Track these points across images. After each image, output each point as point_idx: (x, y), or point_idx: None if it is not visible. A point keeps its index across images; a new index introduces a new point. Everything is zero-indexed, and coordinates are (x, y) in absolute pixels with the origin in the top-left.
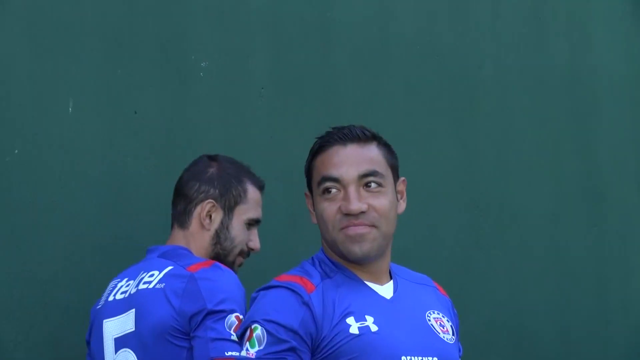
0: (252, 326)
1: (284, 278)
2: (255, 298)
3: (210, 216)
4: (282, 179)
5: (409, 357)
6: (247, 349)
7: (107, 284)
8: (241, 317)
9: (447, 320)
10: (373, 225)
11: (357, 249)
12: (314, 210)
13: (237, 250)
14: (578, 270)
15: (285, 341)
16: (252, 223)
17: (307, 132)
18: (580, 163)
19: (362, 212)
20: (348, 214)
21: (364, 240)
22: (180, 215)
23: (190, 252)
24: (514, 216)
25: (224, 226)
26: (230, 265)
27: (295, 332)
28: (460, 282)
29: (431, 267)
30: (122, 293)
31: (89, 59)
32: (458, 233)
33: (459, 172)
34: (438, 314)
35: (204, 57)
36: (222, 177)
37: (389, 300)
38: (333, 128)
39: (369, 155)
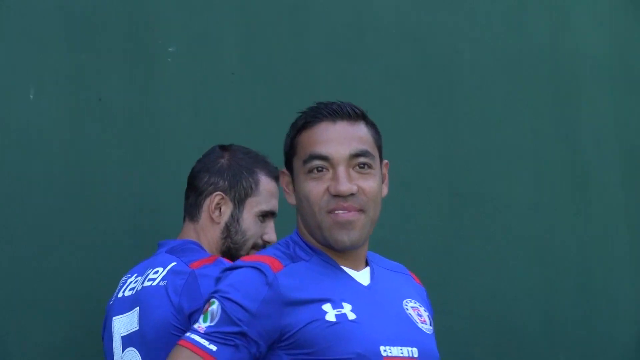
0: (210, 300)
1: (251, 257)
2: (219, 278)
3: (220, 209)
4: None
5: (387, 347)
6: (199, 322)
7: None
8: None
9: (424, 310)
10: (361, 210)
11: (345, 237)
12: (293, 189)
13: (249, 244)
14: (561, 259)
15: (237, 324)
16: (265, 215)
17: (279, 119)
18: (563, 149)
19: (352, 195)
20: (337, 196)
21: (353, 227)
22: (190, 208)
23: (200, 247)
24: (496, 204)
25: (235, 219)
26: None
27: (252, 315)
28: (440, 271)
29: (410, 256)
30: (130, 290)
31: (51, 42)
32: (438, 221)
33: (438, 158)
34: (415, 303)
35: (172, 41)
36: (233, 168)
37: (366, 287)
38: (318, 103)
39: (359, 134)
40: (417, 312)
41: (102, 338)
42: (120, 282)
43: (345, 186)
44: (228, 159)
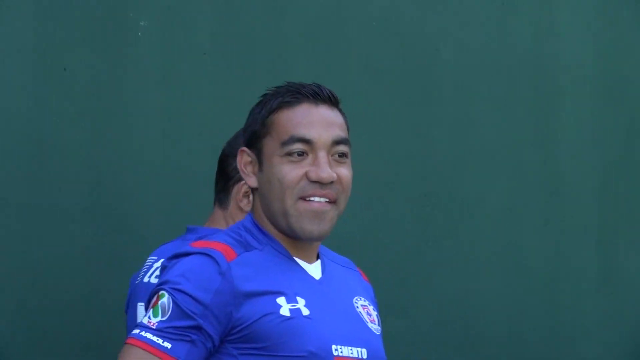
0: (159, 293)
1: (201, 244)
2: (166, 267)
3: (249, 197)
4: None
5: (339, 347)
6: (149, 317)
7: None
8: None
9: (373, 309)
10: (334, 201)
11: (315, 228)
12: (255, 171)
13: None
14: (529, 268)
15: (191, 317)
16: None
17: (250, 103)
18: (539, 156)
19: (331, 182)
20: (316, 182)
21: (324, 219)
22: (220, 194)
23: None
24: (467, 207)
25: None
26: None
27: (205, 307)
28: (406, 273)
29: (375, 256)
30: (155, 277)
31: (15, 9)
32: (406, 222)
33: (411, 157)
34: (365, 301)
35: (144, 15)
36: None
37: (317, 281)
38: (291, 83)
39: (338, 121)
40: (367, 311)
41: (126, 312)
42: (148, 261)
43: (326, 172)
44: None
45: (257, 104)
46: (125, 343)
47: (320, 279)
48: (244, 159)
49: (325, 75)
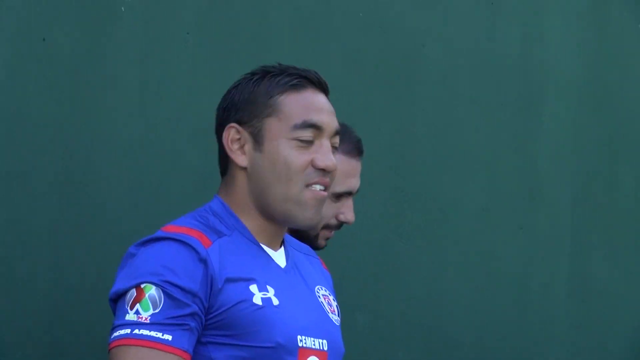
0: (142, 286)
1: (174, 229)
2: (135, 254)
3: None
4: (200, 134)
5: (303, 338)
6: (137, 313)
7: None
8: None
9: (333, 299)
10: (326, 190)
11: (314, 216)
12: (247, 150)
13: (320, 225)
14: (501, 271)
15: (186, 304)
16: (339, 196)
17: (230, 85)
18: (518, 160)
19: (331, 172)
20: (322, 170)
21: (321, 208)
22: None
23: None
24: (442, 207)
25: None
26: (313, 239)
27: (194, 295)
28: (376, 270)
29: (347, 250)
30: None
31: None
32: (379, 218)
33: (388, 153)
34: (325, 290)
35: None
36: None
37: (283, 269)
38: (283, 65)
39: (334, 110)
40: (328, 301)
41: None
42: None
43: (332, 161)
44: None
45: (249, 81)
46: (118, 346)
47: (285, 267)
48: (231, 136)
49: (307, 62)
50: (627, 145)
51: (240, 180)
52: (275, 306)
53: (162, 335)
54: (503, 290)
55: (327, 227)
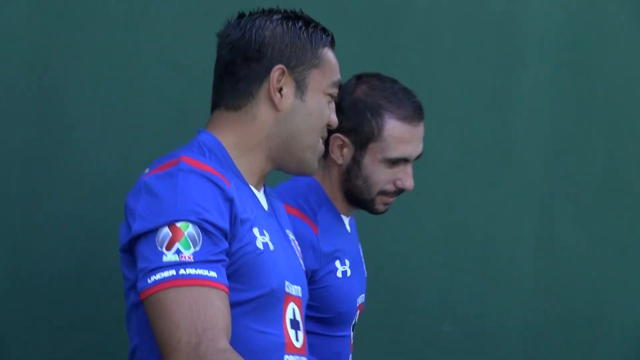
0: (179, 224)
1: (197, 164)
2: (154, 186)
3: (342, 150)
4: (180, 69)
5: (288, 284)
6: (178, 252)
7: None
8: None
9: (298, 245)
10: None
11: (317, 165)
12: (295, 97)
13: (374, 190)
14: (469, 226)
15: (221, 241)
16: (395, 162)
17: (214, 29)
18: (493, 117)
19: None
20: (328, 126)
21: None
22: None
23: (319, 191)
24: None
25: (355, 163)
26: (369, 203)
27: (225, 233)
28: None
29: None
30: None
31: None
32: None
33: None
34: (292, 234)
35: None
36: (357, 106)
37: (267, 212)
38: (311, 19)
39: None
40: (296, 246)
41: None
42: None
43: (336, 119)
44: (356, 93)
45: (289, 24)
46: (160, 290)
47: (268, 209)
48: (277, 77)
49: (288, 3)
50: (603, 111)
51: (266, 121)
52: (272, 251)
53: (209, 272)
54: (469, 245)
55: (384, 192)
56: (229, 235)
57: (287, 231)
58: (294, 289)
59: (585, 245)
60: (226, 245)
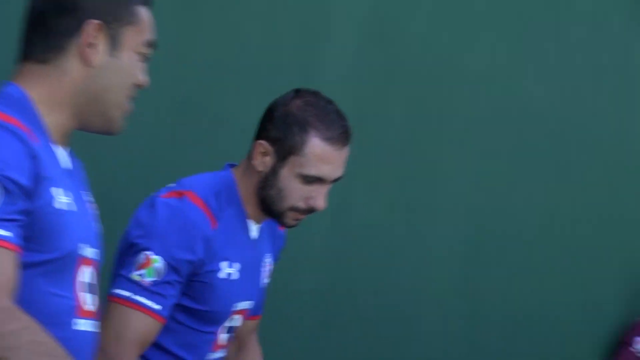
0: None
1: (4, 117)
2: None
3: (264, 157)
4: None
5: (83, 246)
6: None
7: None
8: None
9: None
10: None
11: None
12: (108, 54)
13: (285, 204)
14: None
15: (20, 198)
16: (310, 180)
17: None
18: (299, 81)
19: None
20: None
21: None
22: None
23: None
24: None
25: (273, 173)
26: (280, 216)
27: (27, 192)
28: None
29: None
30: None
31: None
32: None
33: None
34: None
35: None
36: (287, 118)
37: (68, 171)
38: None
39: None
40: (93, 208)
41: None
42: None
43: (147, 80)
44: (290, 106)
45: None
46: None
47: (70, 169)
48: (91, 32)
49: None
50: (404, 83)
51: (76, 77)
52: (70, 212)
53: (4, 232)
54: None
55: (295, 208)
56: (31, 194)
57: (84, 192)
58: (90, 252)
59: (379, 214)
60: (26, 205)
